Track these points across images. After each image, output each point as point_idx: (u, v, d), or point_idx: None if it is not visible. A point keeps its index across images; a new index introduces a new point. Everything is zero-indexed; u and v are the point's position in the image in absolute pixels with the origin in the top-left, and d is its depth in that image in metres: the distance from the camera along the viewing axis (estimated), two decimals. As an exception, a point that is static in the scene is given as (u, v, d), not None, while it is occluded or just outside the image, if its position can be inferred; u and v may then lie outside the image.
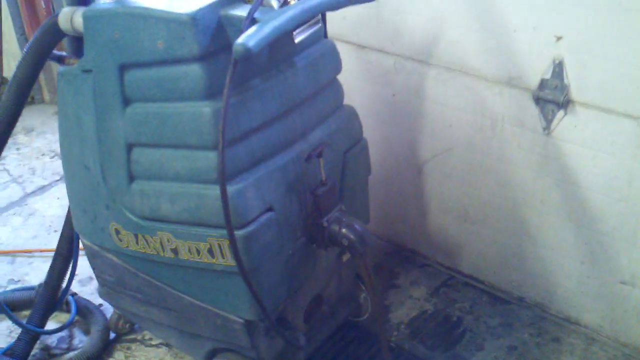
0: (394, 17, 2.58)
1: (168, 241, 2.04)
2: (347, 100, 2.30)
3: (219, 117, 1.70)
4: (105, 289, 2.39)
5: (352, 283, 2.50)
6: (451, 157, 2.67)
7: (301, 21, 1.79)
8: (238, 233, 1.87)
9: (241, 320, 2.07)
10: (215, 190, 1.82)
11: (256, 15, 1.73)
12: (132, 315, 2.44)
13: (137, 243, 2.11)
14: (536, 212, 2.51)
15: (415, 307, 2.79)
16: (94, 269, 2.37)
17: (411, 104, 2.69)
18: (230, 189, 1.85)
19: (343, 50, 2.29)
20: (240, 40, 1.62)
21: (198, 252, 1.99)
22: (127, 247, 2.11)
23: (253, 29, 1.64)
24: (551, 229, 2.50)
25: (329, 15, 2.49)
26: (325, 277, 2.35)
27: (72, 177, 2.19)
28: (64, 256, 2.45)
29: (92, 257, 2.32)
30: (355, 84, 2.72)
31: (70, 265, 2.45)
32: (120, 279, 2.29)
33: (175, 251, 2.03)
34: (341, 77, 2.26)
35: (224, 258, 1.96)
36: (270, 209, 1.96)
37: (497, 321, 2.69)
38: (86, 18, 1.88)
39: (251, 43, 1.60)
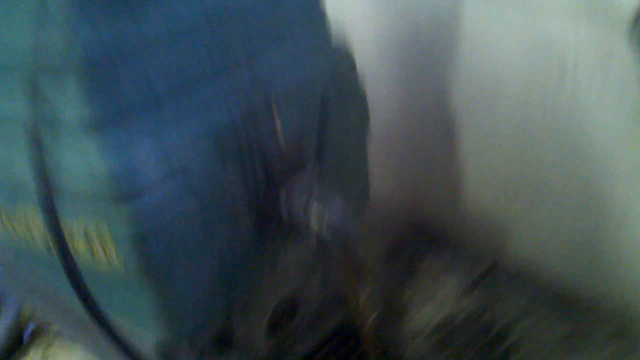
0: None
1: (34, 223, 1.29)
2: (352, 35, 1.52)
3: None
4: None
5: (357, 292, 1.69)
6: (496, 113, 1.88)
7: None
8: (119, 209, 1.13)
9: (153, 341, 1.32)
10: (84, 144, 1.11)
11: None
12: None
13: (2, 224, 1.38)
14: (621, 191, 1.72)
15: (443, 307, 2.06)
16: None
17: (441, 38, 1.91)
18: (100, 137, 1.10)
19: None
20: None
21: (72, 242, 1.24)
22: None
23: None
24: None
25: None
26: (298, 276, 1.57)
27: None
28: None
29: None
30: (361, 9, 2.06)
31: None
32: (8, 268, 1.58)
33: (45, 242, 1.29)
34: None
35: (106, 255, 1.21)
36: (183, 172, 1.18)
37: (560, 333, 1.90)
38: None
39: None
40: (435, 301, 2.10)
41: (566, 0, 1.60)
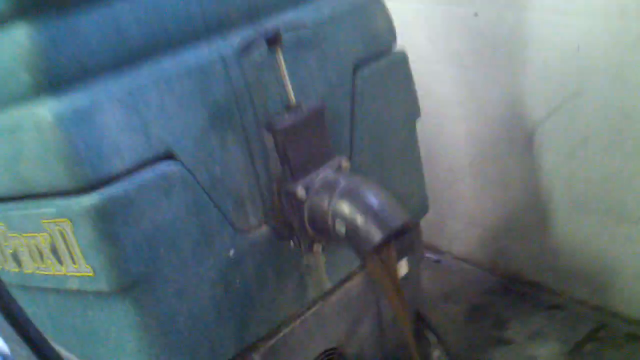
0: None
1: (3, 237, 1.04)
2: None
3: None
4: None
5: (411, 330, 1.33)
6: (584, 108, 1.54)
7: None
8: (81, 202, 0.89)
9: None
10: (35, 115, 0.86)
11: None
12: None
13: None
14: None
15: (537, 380, 1.61)
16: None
17: (503, 23, 1.61)
18: (54, 105, 0.84)
19: None
20: None
21: (40, 254, 0.97)
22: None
23: None
24: None
25: None
26: (343, 317, 1.24)
27: None
28: None
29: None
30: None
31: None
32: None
33: (16, 257, 1.03)
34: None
35: (74, 263, 0.93)
36: (169, 157, 0.90)
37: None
38: None
39: None
40: (529, 373, 1.68)
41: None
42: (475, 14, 1.69)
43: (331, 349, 1.26)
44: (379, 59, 1.20)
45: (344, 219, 0.97)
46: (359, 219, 0.96)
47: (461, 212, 1.99)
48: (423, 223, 1.45)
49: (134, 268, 0.92)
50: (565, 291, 1.83)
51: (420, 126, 1.31)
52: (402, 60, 1.23)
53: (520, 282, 1.94)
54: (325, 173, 1.03)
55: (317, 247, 1.06)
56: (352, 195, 0.98)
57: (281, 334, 1.15)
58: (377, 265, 1.06)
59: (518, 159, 1.76)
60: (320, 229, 1.01)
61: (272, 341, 1.14)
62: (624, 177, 1.54)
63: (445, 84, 1.82)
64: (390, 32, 1.22)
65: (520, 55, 1.63)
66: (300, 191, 1.01)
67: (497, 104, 1.74)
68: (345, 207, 0.97)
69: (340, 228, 0.97)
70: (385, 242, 0.98)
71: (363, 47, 1.18)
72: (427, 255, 2.12)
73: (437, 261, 2.12)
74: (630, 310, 1.70)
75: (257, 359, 1.13)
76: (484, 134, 1.81)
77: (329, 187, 1.01)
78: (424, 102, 1.34)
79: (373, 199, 0.98)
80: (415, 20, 1.81)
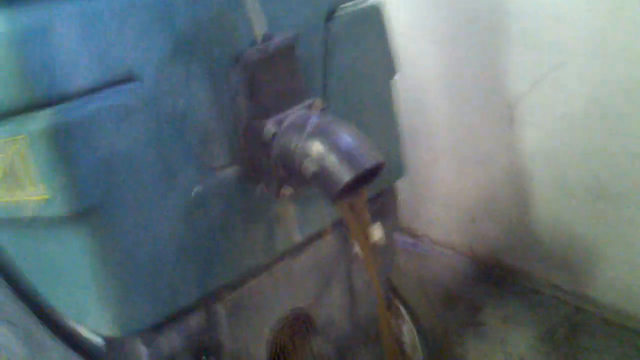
0: None
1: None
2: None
3: None
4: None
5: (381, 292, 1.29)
6: (565, 81, 1.51)
7: None
8: (35, 119, 0.85)
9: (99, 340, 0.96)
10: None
11: None
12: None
13: None
14: None
15: (512, 363, 1.58)
16: None
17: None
18: (6, 18, 0.83)
19: None
20: None
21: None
22: None
23: None
24: None
25: None
26: (313, 279, 1.20)
27: None
28: None
29: None
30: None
31: None
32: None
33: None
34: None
35: (30, 186, 0.89)
36: (128, 79, 0.86)
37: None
38: None
39: None
40: (502, 356, 1.64)
41: None
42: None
43: (299, 309, 1.22)
44: (354, 7, 1.16)
45: (313, 157, 0.93)
46: (329, 158, 0.92)
47: (440, 195, 1.96)
48: (399, 205, 1.41)
49: (91, 191, 0.87)
50: (543, 276, 1.80)
51: (401, 105, 1.28)
52: (378, 10, 1.20)
53: (498, 266, 1.90)
54: (296, 111, 0.99)
55: (286, 190, 1.02)
56: (323, 134, 0.94)
57: (247, 286, 1.10)
58: (346, 210, 1.02)
59: (499, 138, 1.72)
60: (290, 169, 0.97)
61: (237, 293, 1.10)
62: (606, 155, 1.52)
63: (426, 61, 1.79)
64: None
65: (500, 28, 1.59)
66: (269, 128, 0.97)
67: (479, 80, 1.70)
68: (314, 145, 0.93)
69: (309, 167, 0.93)
70: (356, 185, 0.94)
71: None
72: (403, 239, 2.08)
73: (414, 245, 2.09)
74: (607, 296, 1.67)
75: (222, 310, 1.09)
76: (466, 112, 1.78)
77: (300, 124, 0.96)
78: (404, 81, 1.31)
79: (345, 137, 0.94)
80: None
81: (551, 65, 1.51)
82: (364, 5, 1.17)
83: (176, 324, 1.03)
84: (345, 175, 0.91)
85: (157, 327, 1.00)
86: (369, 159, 0.93)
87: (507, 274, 1.87)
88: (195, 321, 1.06)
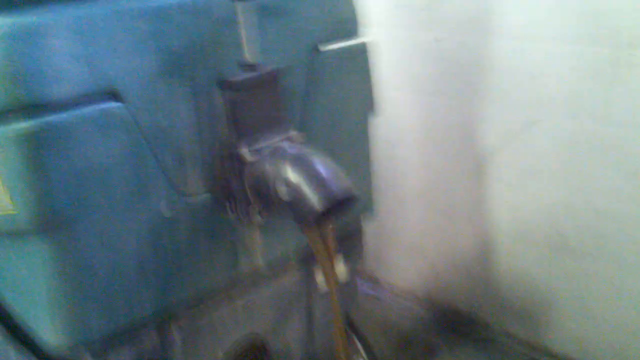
0: None
1: None
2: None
3: None
4: None
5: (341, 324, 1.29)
6: (539, 139, 1.55)
7: None
8: (9, 123, 0.84)
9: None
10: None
11: None
12: None
13: None
14: None
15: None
16: None
17: (464, 49, 1.63)
18: None
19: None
20: None
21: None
22: None
23: None
24: None
25: None
26: (271, 309, 1.19)
27: None
28: None
29: None
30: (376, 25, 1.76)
31: None
32: None
33: None
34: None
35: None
36: (112, 95, 0.86)
37: None
38: None
39: None
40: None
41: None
42: (436, 40, 1.69)
43: (255, 335, 1.21)
44: (339, 44, 1.18)
45: (288, 184, 0.94)
46: (304, 186, 0.93)
47: (404, 242, 1.97)
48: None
49: (59, 206, 0.87)
50: (500, 325, 1.81)
51: (374, 150, 1.29)
52: (363, 50, 1.22)
53: (456, 314, 1.91)
54: (274, 140, 1.00)
55: (254, 214, 1.02)
56: (300, 162, 0.95)
57: (204, 307, 1.09)
58: (314, 236, 1.02)
59: (466, 190, 1.75)
60: (262, 194, 0.97)
61: (194, 314, 1.09)
62: (569, 210, 1.55)
63: (404, 109, 1.80)
64: (354, 21, 1.20)
65: (480, 83, 1.63)
66: (245, 153, 0.98)
67: (452, 133, 1.73)
68: (291, 173, 0.94)
69: (283, 193, 0.94)
70: (327, 214, 0.95)
71: (325, 28, 1.16)
72: (366, 283, 2.08)
73: (375, 289, 2.08)
74: (561, 347, 1.69)
75: (176, 331, 1.07)
76: (436, 162, 1.80)
77: (277, 152, 0.98)
78: (379, 127, 1.33)
79: (320, 168, 0.95)
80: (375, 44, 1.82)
81: (525, 122, 1.55)
82: (350, 43, 1.19)
83: (129, 342, 1.02)
84: (318, 204, 0.92)
85: (109, 342, 0.99)
86: (343, 191, 0.94)
87: (464, 321, 1.88)
88: (149, 340, 1.05)
